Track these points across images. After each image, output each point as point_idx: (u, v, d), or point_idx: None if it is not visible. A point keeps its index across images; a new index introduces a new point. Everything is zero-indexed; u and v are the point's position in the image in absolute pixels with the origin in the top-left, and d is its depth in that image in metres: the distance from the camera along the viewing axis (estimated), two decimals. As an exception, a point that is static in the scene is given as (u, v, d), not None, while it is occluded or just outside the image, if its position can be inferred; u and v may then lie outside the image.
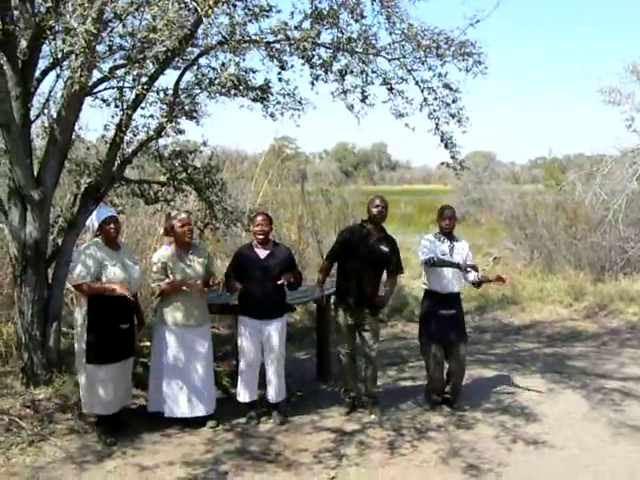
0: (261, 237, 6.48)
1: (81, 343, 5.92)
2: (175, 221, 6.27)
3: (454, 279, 6.77)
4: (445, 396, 6.98)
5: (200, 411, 6.30)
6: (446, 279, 6.75)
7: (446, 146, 7.19)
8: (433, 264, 6.66)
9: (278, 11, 6.41)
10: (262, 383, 6.61)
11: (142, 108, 6.69)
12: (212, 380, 6.51)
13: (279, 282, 6.34)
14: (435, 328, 6.78)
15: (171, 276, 6.24)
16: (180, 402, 6.24)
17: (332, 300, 7.19)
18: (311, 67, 6.79)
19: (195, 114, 7.06)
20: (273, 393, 6.57)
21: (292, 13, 6.47)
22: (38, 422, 6.07)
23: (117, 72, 6.48)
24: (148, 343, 7.24)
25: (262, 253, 6.50)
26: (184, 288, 6.16)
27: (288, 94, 6.91)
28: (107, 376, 5.92)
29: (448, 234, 6.86)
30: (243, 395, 6.56)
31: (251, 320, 6.45)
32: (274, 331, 6.48)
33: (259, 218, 6.54)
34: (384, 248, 6.70)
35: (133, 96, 6.41)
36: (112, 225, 6.01)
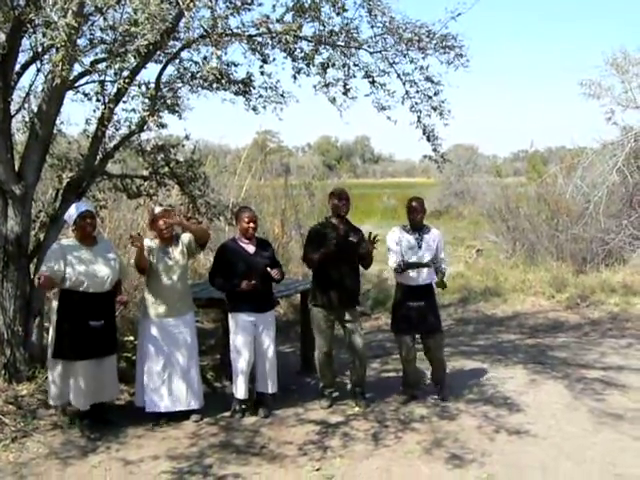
0: (252, 232, 6.49)
1: (53, 336, 5.94)
2: (158, 218, 6.29)
3: (423, 272, 6.73)
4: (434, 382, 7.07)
5: (184, 405, 6.30)
6: (414, 271, 6.72)
7: (428, 139, 7.22)
8: (402, 270, 6.68)
9: (260, 4, 6.42)
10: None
11: (124, 102, 6.68)
12: (198, 373, 6.50)
13: (272, 272, 6.39)
14: (404, 320, 6.80)
15: (154, 268, 6.28)
16: (164, 396, 6.24)
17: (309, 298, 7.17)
18: (293, 60, 6.79)
19: (177, 108, 7.06)
20: (268, 385, 6.57)
21: (274, 6, 6.46)
22: (21, 418, 6.05)
23: (98, 66, 6.46)
24: (132, 338, 7.22)
25: (250, 248, 6.50)
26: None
27: (270, 87, 6.91)
28: (76, 372, 5.90)
29: (416, 225, 6.83)
30: (241, 392, 6.50)
31: (245, 315, 6.43)
32: (267, 324, 6.52)
33: (248, 214, 6.52)
34: (352, 239, 6.70)
35: (115, 90, 6.40)
36: (88, 220, 5.98)
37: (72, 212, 6.02)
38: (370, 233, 6.68)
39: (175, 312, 6.30)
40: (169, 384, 6.24)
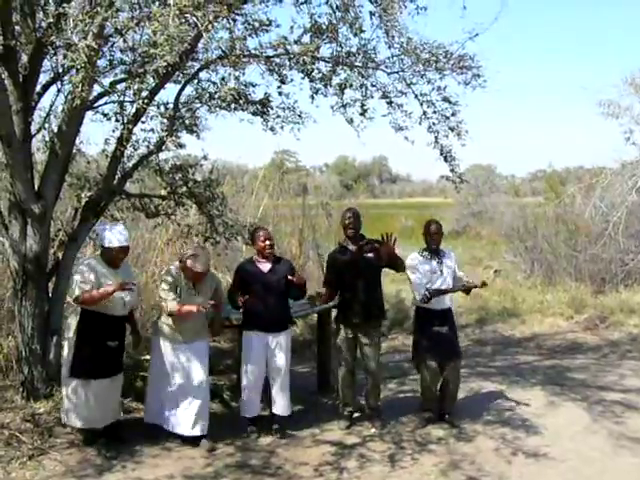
0: (270, 251, 6.52)
1: (69, 354, 5.94)
2: (189, 265, 6.07)
3: (445, 296, 6.72)
4: (440, 412, 6.97)
5: (186, 430, 6.17)
6: (438, 297, 6.69)
7: (445, 159, 7.19)
8: (429, 300, 6.63)
9: (277, 25, 6.44)
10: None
11: (142, 122, 6.71)
12: (207, 399, 6.35)
13: (291, 277, 6.41)
14: (429, 345, 6.74)
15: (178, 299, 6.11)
16: (169, 415, 6.20)
17: (333, 315, 7.19)
18: (311, 81, 6.82)
19: (195, 128, 7.08)
20: (280, 407, 6.55)
21: (291, 27, 6.49)
22: (38, 436, 6.07)
23: (118, 86, 6.52)
24: (148, 357, 7.22)
25: (264, 267, 6.52)
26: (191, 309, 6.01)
27: (288, 108, 6.93)
28: (91, 391, 5.91)
29: (435, 249, 6.82)
30: (247, 410, 6.56)
31: (257, 334, 6.44)
32: (280, 344, 6.49)
33: (264, 233, 6.56)
34: (367, 255, 6.69)
35: (134, 110, 6.44)
36: (122, 255, 6.01)
37: (111, 239, 5.92)
38: (383, 235, 6.54)
39: (191, 339, 6.21)
40: (178, 408, 6.16)
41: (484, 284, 6.87)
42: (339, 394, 6.97)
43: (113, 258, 5.97)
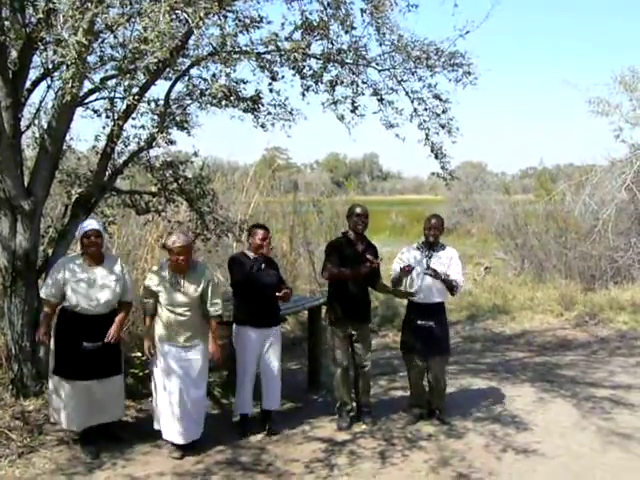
0: (262, 252, 6.48)
1: (53, 352, 5.90)
2: (170, 244, 5.82)
3: (432, 290, 6.66)
4: (430, 409, 6.98)
5: (195, 436, 6.06)
6: (423, 290, 6.65)
7: (436, 156, 7.21)
8: (394, 284, 6.75)
9: (269, 22, 6.42)
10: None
11: (133, 119, 6.70)
12: (204, 403, 6.29)
13: (278, 294, 6.35)
14: (412, 339, 6.75)
15: (161, 299, 5.91)
16: (180, 429, 5.94)
17: (323, 312, 7.18)
18: (302, 78, 6.81)
19: (186, 125, 7.07)
20: (270, 402, 6.56)
21: (283, 24, 6.48)
22: (28, 434, 6.04)
23: (108, 83, 6.51)
24: (139, 354, 7.20)
25: (259, 264, 6.49)
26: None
27: (279, 105, 6.92)
28: (70, 392, 5.79)
29: (431, 243, 6.82)
30: (243, 407, 6.52)
31: (252, 329, 6.40)
32: (273, 340, 6.50)
33: (263, 233, 6.47)
34: (368, 257, 6.66)
35: (124, 107, 6.43)
36: (93, 239, 5.76)
37: (79, 231, 5.89)
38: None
39: (186, 343, 5.94)
40: (182, 417, 5.91)
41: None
42: (336, 394, 6.90)
43: (86, 249, 5.81)
